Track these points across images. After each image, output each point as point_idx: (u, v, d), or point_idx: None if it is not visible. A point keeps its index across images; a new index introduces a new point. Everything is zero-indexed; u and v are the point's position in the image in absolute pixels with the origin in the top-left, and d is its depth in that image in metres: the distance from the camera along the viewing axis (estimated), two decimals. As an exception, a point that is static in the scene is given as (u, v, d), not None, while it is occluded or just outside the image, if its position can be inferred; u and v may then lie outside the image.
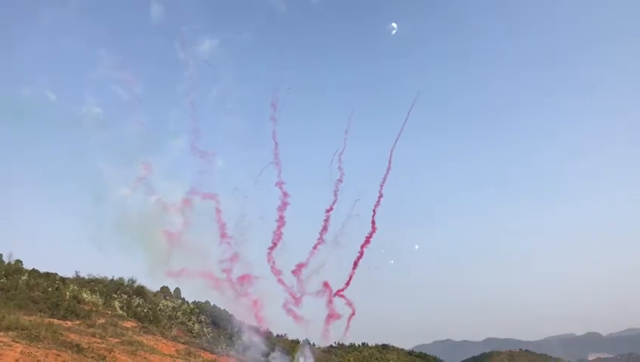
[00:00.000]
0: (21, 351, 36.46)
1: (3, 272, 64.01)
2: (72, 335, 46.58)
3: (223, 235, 73.92)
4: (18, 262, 71.07)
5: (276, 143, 80.00)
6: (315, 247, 76.80)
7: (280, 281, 74.49)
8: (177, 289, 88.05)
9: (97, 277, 76.58)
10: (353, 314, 75.75)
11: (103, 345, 46.89)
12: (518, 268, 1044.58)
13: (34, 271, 69.10)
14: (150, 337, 59.69)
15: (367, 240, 78.09)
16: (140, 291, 77.10)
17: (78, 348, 42.57)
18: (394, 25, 78.41)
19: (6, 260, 71.05)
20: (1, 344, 36.77)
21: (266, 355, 74.21)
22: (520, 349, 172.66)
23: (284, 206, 76.77)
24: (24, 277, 64.60)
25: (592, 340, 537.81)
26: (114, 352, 45.60)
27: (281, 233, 75.06)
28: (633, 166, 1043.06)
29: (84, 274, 76.29)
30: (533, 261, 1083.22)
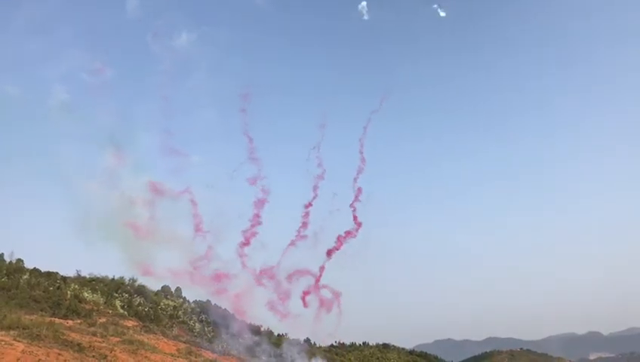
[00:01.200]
0: (22, 350, 36.50)
1: (4, 271, 64.09)
2: (73, 335, 46.60)
3: (198, 229, 73.83)
4: (19, 261, 71.18)
5: (250, 138, 79.65)
6: (292, 244, 76.79)
7: (258, 283, 74.46)
8: (178, 289, 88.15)
9: (98, 276, 76.60)
10: (337, 297, 75.74)
11: (104, 344, 46.91)
12: (519, 267, 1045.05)
13: (35, 270, 69.12)
14: (151, 336, 59.70)
15: (349, 234, 77.89)
16: (141, 290, 77.12)
17: (79, 347, 42.59)
18: (363, 4, 76.04)
19: (7, 259, 71.16)
20: (3, 343, 36.79)
21: (252, 349, 74.29)
22: (521, 348, 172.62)
23: (260, 203, 76.53)
24: (25, 277, 64.64)
25: (593, 339, 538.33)
26: (115, 351, 45.62)
27: (256, 232, 74.90)
28: (634, 166, 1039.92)
29: (85, 273, 76.31)
30: (535, 260, 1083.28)
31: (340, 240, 77.14)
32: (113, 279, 77.41)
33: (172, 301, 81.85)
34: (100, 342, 47.74)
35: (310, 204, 78.96)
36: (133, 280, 78.34)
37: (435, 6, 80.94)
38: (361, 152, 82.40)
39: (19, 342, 38.59)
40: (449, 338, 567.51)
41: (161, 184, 73.26)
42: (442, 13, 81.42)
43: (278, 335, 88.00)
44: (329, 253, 76.81)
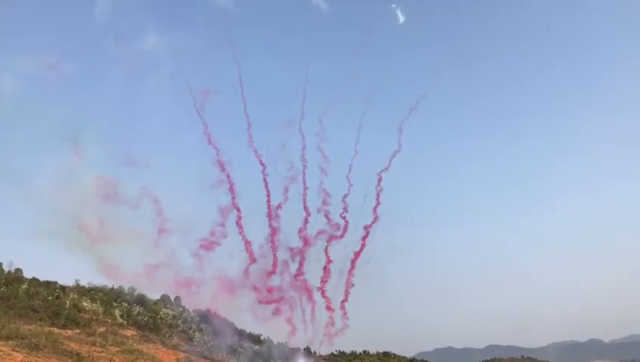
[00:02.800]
0: (21, 361, 36.36)
1: (3, 281, 63.78)
2: (72, 344, 46.40)
3: (160, 231, 73.92)
4: (18, 270, 70.88)
5: (211, 139, 79.75)
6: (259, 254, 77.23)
7: (229, 291, 74.77)
8: (178, 298, 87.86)
9: (97, 285, 76.46)
10: (309, 290, 76.15)
11: (103, 354, 46.72)
12: (519, 273, 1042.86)
13: (34, 279, 68.88)
14: (150, 345, 59.46)
15: (322, 233, 78.17)
16: (141, 299, 76.93)
17: (78, 357, 42.42)
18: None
19: (6, 269, 70.87)
20: (1, 353, 36.62)
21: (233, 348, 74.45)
22: (522, 356, 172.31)
23: (226, 210, 76.75)
24: (24, 286, 64.34)
25: (594, 346, 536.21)
26: (114, 361, 45.45)
27: (216, 242, 75.24)
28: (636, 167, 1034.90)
29: (84, 283, 76.13)
30: (535, 266, 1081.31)
31: (306, 240, 77.44)
32: (112, 288, 77.28)
33: (171, 310, 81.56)
34: (99, 351, 47.55)
35: (280, 207, 79.19)
36: (133, 289, 78.28)
37: (394, 6, 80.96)
38: (321, 149, 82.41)
39: (17, 352, 38.42)
40: (449, 347, 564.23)
41: (115, 183, 73.50)
42: (401, 18, 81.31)
43: (278, 343, 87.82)
44: (291, 251, 77.12)
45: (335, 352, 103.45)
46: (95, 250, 71.91)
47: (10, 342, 41.12)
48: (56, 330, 51.12)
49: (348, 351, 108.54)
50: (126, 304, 73.60)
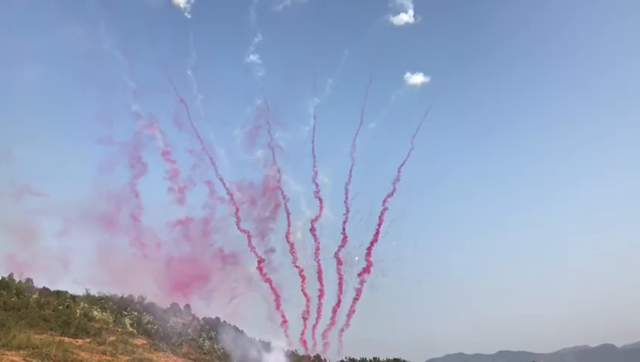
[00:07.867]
0: (33, 370, 36.40)
1: (14, 291, 64.13)
2: (82, 353, 46.45)
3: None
4: (29, 280, 71.31)
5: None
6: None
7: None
8: (187, 306, 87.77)
9: (107, 294, 76.61)
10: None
11: (114, 363, 46.75)
12: (530, 278, 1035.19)
13: (44, 289, 69.28)
14: (160, 354, 59.40)
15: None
16: (150, 308, 77.03)
17: (89, 367, 42.44)
18: None
19: (17, 279, 71.28)
20: (13, 363, 36.73)
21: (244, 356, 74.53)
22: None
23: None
24: (35, 296, 64.72)
25: (606, 352, 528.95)
26: (125, 370, 45.45)
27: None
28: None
29: (94, 292, 76.33)
30: (546, 271, 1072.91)
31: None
32: (122, 297, 77.46)
33: (181, 318, 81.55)
34: (109, 360, 47.57)
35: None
36: (142, 298, 78.42)
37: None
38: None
39: (29, 361, 38.51)
40: (460, 352, 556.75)
41: None
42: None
43: (288, 351, 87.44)
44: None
45: (345, 359, 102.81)
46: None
47: (21, 352, 41.22)
48: (66, 340, 51.22)
49: (358, 357, 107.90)
50: (136, 313, 73.74)
